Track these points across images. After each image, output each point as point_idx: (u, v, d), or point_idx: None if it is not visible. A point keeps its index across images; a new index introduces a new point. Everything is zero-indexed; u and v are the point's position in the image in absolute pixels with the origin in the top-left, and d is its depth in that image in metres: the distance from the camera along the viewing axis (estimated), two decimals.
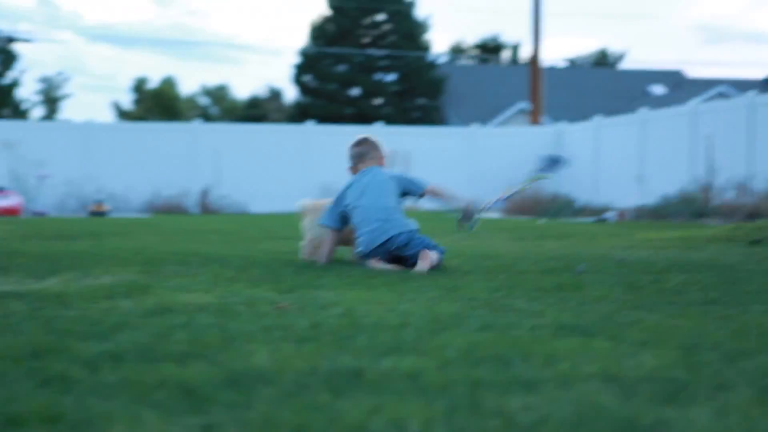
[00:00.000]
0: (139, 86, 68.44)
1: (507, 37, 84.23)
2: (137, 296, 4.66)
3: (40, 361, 2.92)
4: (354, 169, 7.25)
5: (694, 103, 22.72)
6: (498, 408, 2.37)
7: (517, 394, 2.52)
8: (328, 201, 7.21)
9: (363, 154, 7.25)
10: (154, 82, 68.61)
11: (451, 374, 2.74)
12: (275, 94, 64.37)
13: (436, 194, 7.17)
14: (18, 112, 54.32)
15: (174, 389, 2.55)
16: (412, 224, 6.80)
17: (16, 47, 52.92)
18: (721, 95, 41.34)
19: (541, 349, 3.13)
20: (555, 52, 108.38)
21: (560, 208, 21.18)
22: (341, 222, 6.99)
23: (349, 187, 7.05)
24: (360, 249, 6.74)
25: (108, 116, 78.05)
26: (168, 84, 67.27)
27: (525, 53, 65.62)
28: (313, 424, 2.22)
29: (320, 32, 48.63)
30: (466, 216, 6.99)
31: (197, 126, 28.31)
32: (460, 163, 29.57)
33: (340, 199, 7.03)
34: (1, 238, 10.70)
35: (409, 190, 7.07)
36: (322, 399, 2.46)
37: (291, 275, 5.88)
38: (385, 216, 6.74)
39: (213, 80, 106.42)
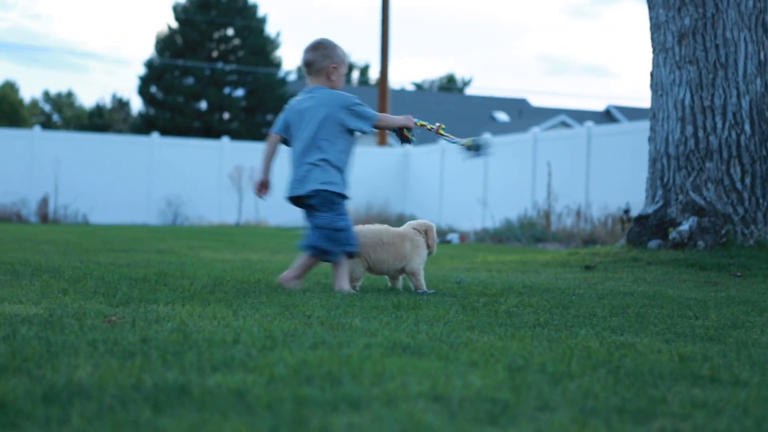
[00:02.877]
0: None
1: (356, 57, 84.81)
2: None
3: None
4: (337, 69, 6.31)
5: (536, 131, 23.33)
6: (322, 426, 2.36)
7: (343, 413, 2.50)
8: None
9: (310, 63, 6.24)
10: None
11: (278, 392, 2.71)
12: (121, 104, 63.19)
13: (384, 125, 6.33)
14: None
15: None
16: (332, 184, 6.06)
17: None
18: (563, 124, 42.66)
19: (371, 367, 3.13)
20: (404, 75, 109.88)
21: None
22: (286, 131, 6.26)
23: (292, 106, 6.26)
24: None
25: None
26: (9, 89, 65.22)
27: (373, 75, 66.25)
28: None
29: (167, 44, 48.02)
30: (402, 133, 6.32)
31: (37, 133, 27.52)
32: None
33: (287, 108, 6.30)
34: None
35: (356, 127, 6.16)
36: (143, 415, 2.39)
37: (126, 288, 5.73)
38: (304, 171, 6.07)
39: (57, 87, 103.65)
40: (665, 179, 10.50)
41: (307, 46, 6.35)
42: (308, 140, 6.07)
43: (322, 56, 6.22)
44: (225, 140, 29.45)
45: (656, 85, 10.78)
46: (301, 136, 6.12)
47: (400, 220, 22.67)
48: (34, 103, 69.53)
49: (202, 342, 3.57)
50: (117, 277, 6.52)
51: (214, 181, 28.16)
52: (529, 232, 18.22)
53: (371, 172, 29.85)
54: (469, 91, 69.58)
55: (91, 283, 5.96)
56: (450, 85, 70.35)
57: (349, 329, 4.17)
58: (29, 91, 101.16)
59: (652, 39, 10.82)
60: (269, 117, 47.61)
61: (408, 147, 30.45)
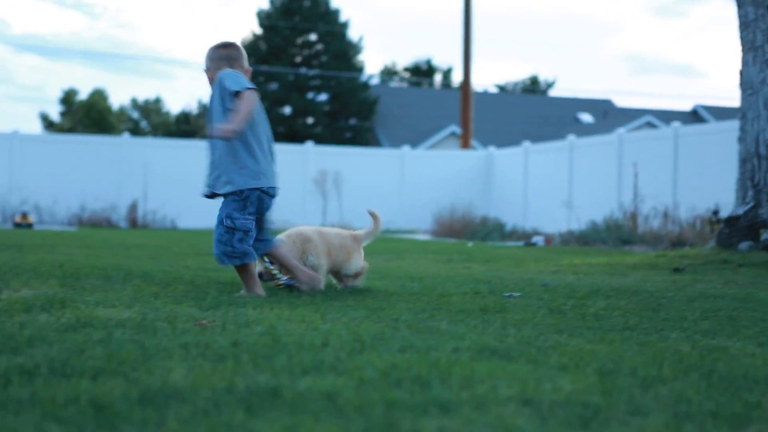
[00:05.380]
0: (68, 98, 67.63)
1: (439, 61, 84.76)
2: (55, 310, 4.58)
3: None
4: (211, 73, 6.00)
5: (621, 132, 23.07)
6: (414, 430, 2.37)
7: (433, 417, 2.51)
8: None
9: (232, 58, 6.02)
10: (83, 94, 67.85)
11: (368, 395, 2.73)
12: (206, 110, 64.06)
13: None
14: None
15: (86, 406, 2.50)
16: (230, 185, 5.79)
17: None
18: (649, 125, 42.07)
19: (461, 371, 3.13)
20: (486, 78, 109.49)
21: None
22: None
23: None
24: None
25: (36, 127, 77.04)
26: (98, 96, 66.55)
27: (456, 78, 66.17)
28: None
29: (251, 50, 48.50)
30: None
31: (126, 140, 28.02)
32: (390, 184, 29.65)
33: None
34: None
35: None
36: (236, 418, 2.42)
37: (215, 292, 5.82)
38: (211, 168, 5.94)
39: (144, 94, 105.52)
40: (756, 180, 10.31)
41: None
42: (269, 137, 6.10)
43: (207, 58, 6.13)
44: (309, 144, 29.68)
45: (745, 84, 10.59)
46: (266, 131, 6.05)
47: (484, 223, 22.62)
48: (123, 110, 70.84)
49: (291, 345, 3.61)
50: (206, 281, 6.62)
51: (299, 185, 28.40)
52: (616, 234, 18.01)
53: (454, 175, 29.84)
54: (553, 92, 69.10)
55: (181, 287, 6.06)
56: (533, 87, 69.96)
57: (436, 332, 4.17)
58: (118, 98, 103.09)
59: (741, 37, 10.63)
60: (352, 121, 47.85)
61: (491, 149, 30.37)
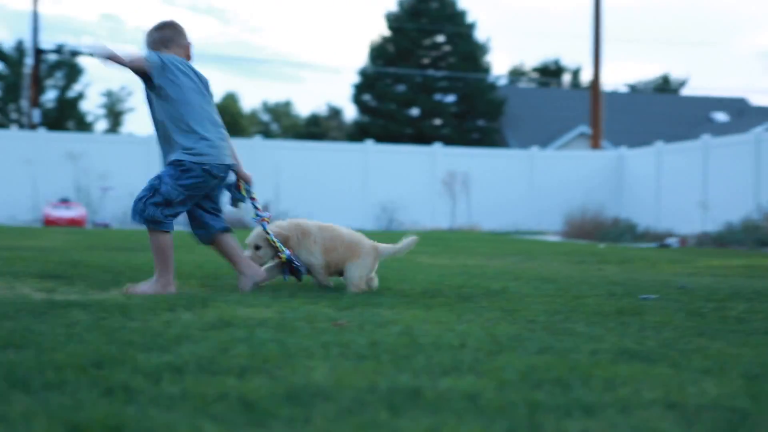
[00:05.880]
0: None
1: (567, 61, 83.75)
2: (198, 309, 4.70)
3: (103, 370, 2.96)
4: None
5: (758, 131, 22.43)
6: (557, 431, 2.36)
7: (576, 419, 2.50)
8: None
9: (167, 39, 5.86)
10: (216, 98, 69.35)
11: (509, 396, 2.73)
12: (335, 113, 64.71)
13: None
14: (82, 125, 55.17)
15: (234, 402, 2.57)
16: (175, 156, 5.73)
17: (81, 61, 53.80)
18: None
19: (601, 373, 3.11)
20: (616, 77, 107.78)
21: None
22: None
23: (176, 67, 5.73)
24: None
25: None
26: (230, 100, 67.92)
27: (585, 77, 65.33)
28: None
29: (380, 52, 48.81)
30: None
31: (258, 142, 28.53)
32: (519, 185, 29.49)
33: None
34: (66, 248, 10.85)
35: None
36: (381, 417, 2.46)
37: (350, 292, 5.89)
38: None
39: (274, 97, 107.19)
40: None
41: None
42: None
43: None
44: (437, 146, 29.72)
45: None
46: (210, 115, 5.87)
47: (615, 224, 22.29)
48: (254, 114, 72.14)
49: (429, 346, 3.63)
50: (339, 282, 6.69)
51: (427, 186, 28.48)
52: (754, 236, 17.52)
53: (584, 175, 29.50)
54: (685, 91, 67.61)
55: (316, 288, 6.15)
56: (665, 86, 68.57)
57: (573, 334, 4.14)
58: (249, 101, 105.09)
59: None
60: (480, 122, 47.70)
61: (622, 150, 29.89)
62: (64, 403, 2.50)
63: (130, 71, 5.59)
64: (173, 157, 5.72)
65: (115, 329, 3.88)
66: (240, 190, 6.16)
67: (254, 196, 6.25)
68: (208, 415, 2.43)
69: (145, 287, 5.65)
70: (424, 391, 2.76)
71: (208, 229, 6.03)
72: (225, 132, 5.93)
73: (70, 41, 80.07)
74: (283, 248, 6.07)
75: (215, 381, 2.83)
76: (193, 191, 5.76)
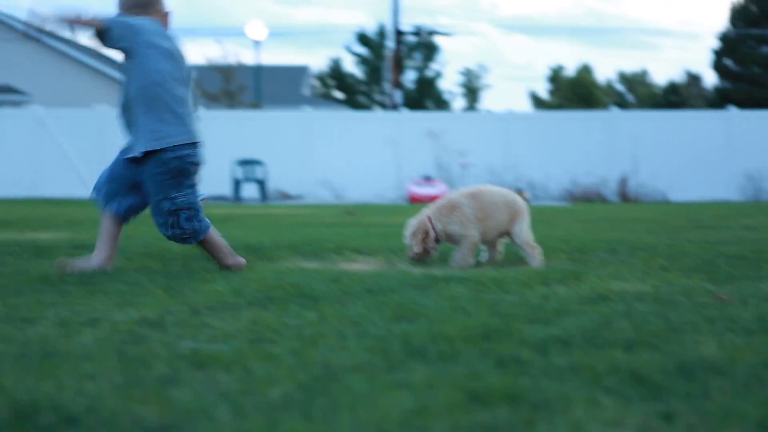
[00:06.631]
0: (555, 75, 69.21)
1: None
2: (571, 283, 4.74)
3: (491, 342, 3.06)
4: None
5: None
6: None
7: None
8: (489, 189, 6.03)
9: (144, 4, 5.33)
10: (569, 70, 69.09)
11: None
12: (694, 80, 62.51)
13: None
14: (440, 103, 56.84)
15: (625, 376, 2.57)
16: (144, 144, 5.20)
17: (438, 41, 55.38)
18: None
19: None
20: None
21: None
22: None
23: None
24: None
25: (525, 105, 79.84)
26: (584, 72, 67.43)
27: None
28: None
29: (741, 14, 46.55)
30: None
31: (614, 114, 28.14)
32: None
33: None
34: None
35: None
36: None
37: (725, 266, 5.70)
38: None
39: (629, 67, 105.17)
40: None
41: None
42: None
43: None
44: None
45: None
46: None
47: None
48: (609, 84, 71.21)
49: None
50: (713, 254, 6.49)
51: None
52: None
53: None
54: None
55: (688, 261, 6.00)
56: None
57: None
58: (603, 72, 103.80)
59: None
60: None
61: None
62: (460, 373, 2.62)
63: (91, 32, 5.12)
64: (143, 146, 5.22)
65: (495, 302, 4.00)
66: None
67: None
68: (600, 387, 2.46)
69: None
70: None
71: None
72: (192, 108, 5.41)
73: (427, 22, 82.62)
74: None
75: (603, 354, 2.85)
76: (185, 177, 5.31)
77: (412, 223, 5.89)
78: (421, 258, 5.85)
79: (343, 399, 2.33)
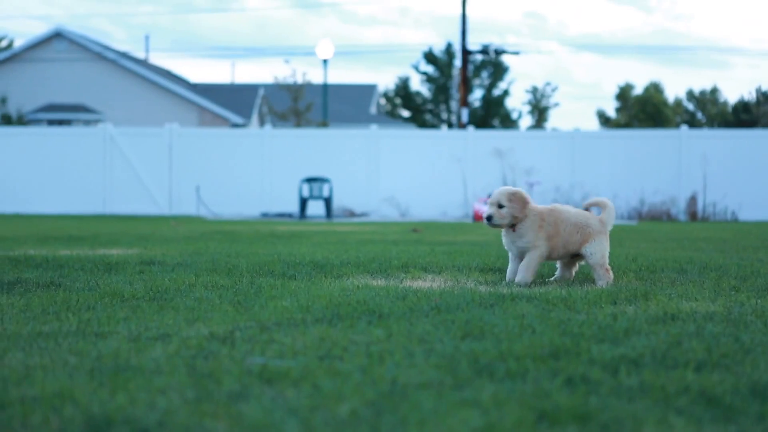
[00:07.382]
0: (623, 93, 68.61)
1: None
2: (640, 302, 4.70)
3: (560, 361, 3.04)
4: None
5: None
6: None
7: None
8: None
9: None
10: (638, 88, 68.47)
11: None
12: (765, 98, 61.55)
13: None
14: (508, 122, 56.67)
15: (696, 397, 2.55)
16: None
17: (505, 59, 55.27)
18: None
19: None
20: None
21: None
22: None
23: None
24: None
25: (592, 124, 79.21)
26: (654, 90, 66.78)
27: None
28: None
29: None
30: None
31: (684, 132, 27.81)
32: None
33: None
34: (496, 243, 11.20)
35: None
36: None
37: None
38: None
39: (699, 85, 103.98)
40: None
41: None
42: None
43: None
44: None
45: None
46: None
47: None
48: (678, 103, 70.41)
49: None
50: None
51: None
52: None
53: None
54: None
55: (759, 281, 5.90)
56: None
57: None
58: (672, 91, 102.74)
59: None
60: None
61: None
62: (528, 391, 2.61)
63: None
64: None
65: (563, 321, 3.97)
66: None
67: None
68: (671, 408, 2.43)
69: None
70: None
71: None
72: None
73: (495, 41, 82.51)
74: None
75: (673, 375, 2.82)
76: None
77: (510, 190, 5.86)
78: (497, 225, 5.80)
79: (411, 416, 2.33)
